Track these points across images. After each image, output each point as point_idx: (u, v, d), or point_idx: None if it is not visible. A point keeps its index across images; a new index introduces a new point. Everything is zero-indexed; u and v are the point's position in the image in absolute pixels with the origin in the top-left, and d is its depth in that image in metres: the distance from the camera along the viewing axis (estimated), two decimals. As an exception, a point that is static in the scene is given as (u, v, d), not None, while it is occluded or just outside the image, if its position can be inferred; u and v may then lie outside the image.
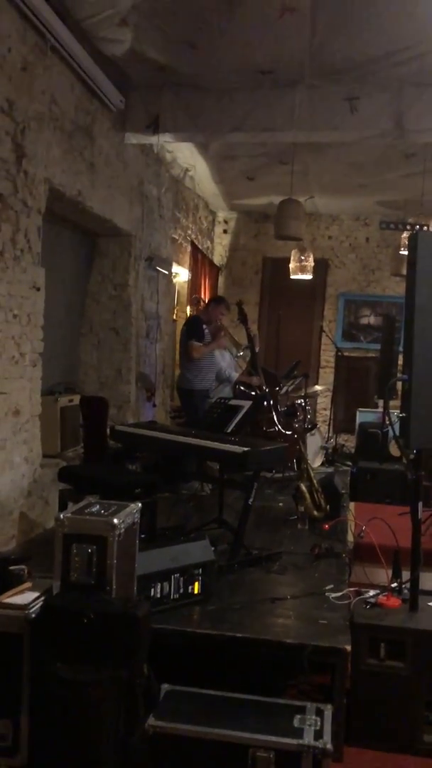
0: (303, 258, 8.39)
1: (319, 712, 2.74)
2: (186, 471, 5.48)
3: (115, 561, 2.62)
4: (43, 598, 2.66)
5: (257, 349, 6.57)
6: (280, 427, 6.19)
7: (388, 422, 3.84)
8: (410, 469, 3.19)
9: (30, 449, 4.34)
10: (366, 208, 9.54)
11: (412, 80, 5.04)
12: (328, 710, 2.74)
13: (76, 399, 5.25)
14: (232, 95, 5.43)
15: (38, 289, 4.35)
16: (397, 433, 3.17)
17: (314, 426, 6.03)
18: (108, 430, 4.93)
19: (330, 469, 6.55)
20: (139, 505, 2.92)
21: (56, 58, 4.43)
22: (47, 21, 4.05)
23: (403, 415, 3.16)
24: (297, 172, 7.25)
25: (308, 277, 8.49)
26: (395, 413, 3.28)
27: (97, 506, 2.81)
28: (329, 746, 2.54)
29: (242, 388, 6.33)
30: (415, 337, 3.12)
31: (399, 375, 3.19)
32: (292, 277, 8.46)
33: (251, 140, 5.80)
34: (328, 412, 9.00)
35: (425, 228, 6.80)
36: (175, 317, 8.10)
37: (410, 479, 3.19)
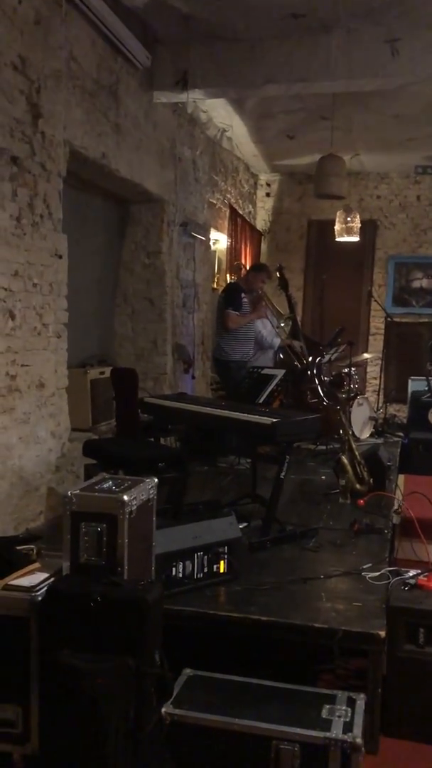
0: (349, 219, 8.01)
1: (351, 702, 2.54)
2: (224, 444, 5.28)
3: (126, 540, 2.45)
4: (51, 580, 2.51)
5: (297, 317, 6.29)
6: (323, 397, 5.91)
7: (427, 388, 3.55)
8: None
9: (57, 423, 4.22)
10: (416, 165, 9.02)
11: (459, 15, 4.61)
12: (360, 700, 2.54)
13: (108, 371, 5.09)
14: (263, 45, 5.10)
15: (60, 257, 4.18)
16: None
17: (356, 395, 5.71)
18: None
19: (380, 441, 6.25)
20: (155, 480, 2.73)
21: (74, 11, 4.20)
22: (59, -31, 3.83)
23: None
24: (340, 128, 6.86)
25: (355, 239, 8.10)
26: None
27: (110, 482, 2.63)
28: (359, 740, 2.34)
29: (281, 356, 6.07)
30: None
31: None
32: (338, 239, 8.08)
33: (286, 92, 5.47)
34: (378, 382, 8.65)
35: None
36: (215, 285, 7.86)
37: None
